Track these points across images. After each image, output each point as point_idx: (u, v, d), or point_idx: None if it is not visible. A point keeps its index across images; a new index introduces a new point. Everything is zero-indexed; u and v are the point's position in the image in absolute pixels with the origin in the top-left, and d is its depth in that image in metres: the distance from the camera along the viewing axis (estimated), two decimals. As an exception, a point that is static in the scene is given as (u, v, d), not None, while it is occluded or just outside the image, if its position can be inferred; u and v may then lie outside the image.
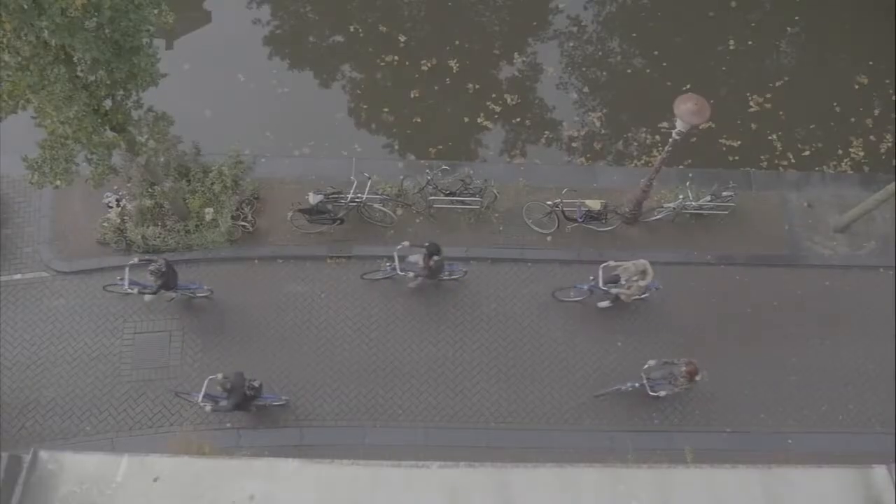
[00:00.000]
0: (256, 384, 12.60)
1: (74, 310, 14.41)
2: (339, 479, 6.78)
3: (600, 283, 13.64)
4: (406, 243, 13.64)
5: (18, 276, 14.62)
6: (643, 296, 13.89)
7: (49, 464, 6.55)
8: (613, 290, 13.68)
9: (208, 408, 12.53)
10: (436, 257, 13.34)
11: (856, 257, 15.52)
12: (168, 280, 13.18)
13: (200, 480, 6.65)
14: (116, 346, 14.12)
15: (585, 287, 14.14)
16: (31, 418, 13.64)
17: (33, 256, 14.77)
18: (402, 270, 13.87)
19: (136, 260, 13.32)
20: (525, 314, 14.75)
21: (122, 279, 13.36)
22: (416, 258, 13.69)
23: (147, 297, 13.53)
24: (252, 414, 13.48)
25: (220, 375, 12.36)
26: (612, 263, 13.71)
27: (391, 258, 13.86)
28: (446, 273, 14.23)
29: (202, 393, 12.53)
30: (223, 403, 12.40)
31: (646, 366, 13.11)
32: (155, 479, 6.64)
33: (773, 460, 12.18)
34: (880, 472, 6.93)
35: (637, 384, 13.34)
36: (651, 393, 13.15)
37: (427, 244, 13.31)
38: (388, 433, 13.76)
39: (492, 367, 14.33)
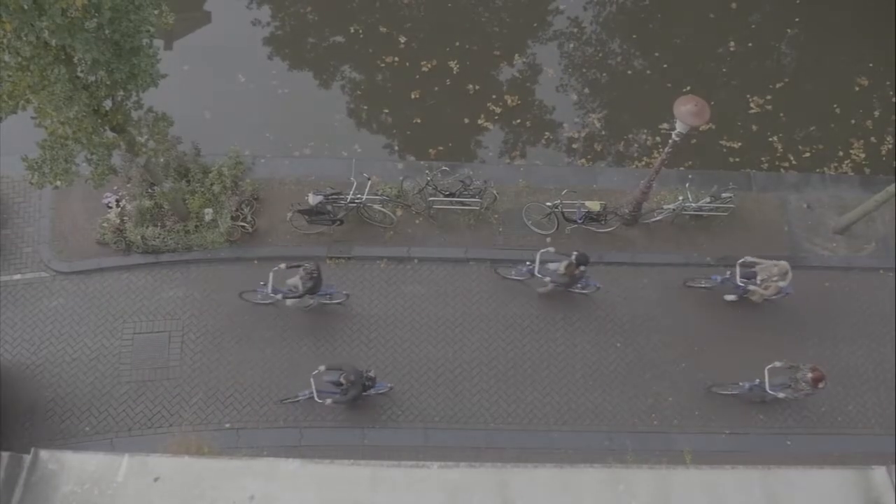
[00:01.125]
0: (372, 374, 12.66)
1: (74, 310, 14.41)
2: (340, 479, 6.78)
3: (738, 280, 13.79)
4: (551, 249, 13.66)
5: (18, 277, 14.62)
6: (775, 296, 13.94)
7: (50, 464, 6.55)
8: (751, 287, 13.81)
9: (329, 401, 12.67)
10: (582, 268, 13.30)
11: (856, 259, 15.53)
12: (316, 284, 13.22)
13: (201, 480, 6.65)
14: (116, 347, 14.12)
15: (719, 279, 14.30)
16: (30, 418, 13.63)
17: (33, 256, 14.77)
18: (539, 273, 13.84)
19: (283, 266, 13.31)
20: (524, 315, 14.74)
21: (264, 284, 13.43)
22: (557, 265, 13.68)
23: (290, 302, 13.64)
24: (358, 406, 13.53)
25: (322, 367, 12.56)
26: (749, 259, 13.89)
27: (532, 259, 13.83)
28: (580, 285, 14.19)
29: (314, 390, 12.66)
30: (340, 397, 12.54)
31: (770, 366, 13.09)
32: (155, 479, 6.64)
33: (772, 461, 12.25)
34: (880, 473, 6.92)
35: (757, 381, 13.34)
36: (769, 391, 13.11)
37: (576, 253, 13.23)
38: (387, 434, 13.76)
39: (491, 368, 14.32)
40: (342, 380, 12.34)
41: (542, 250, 13.70)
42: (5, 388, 13.66)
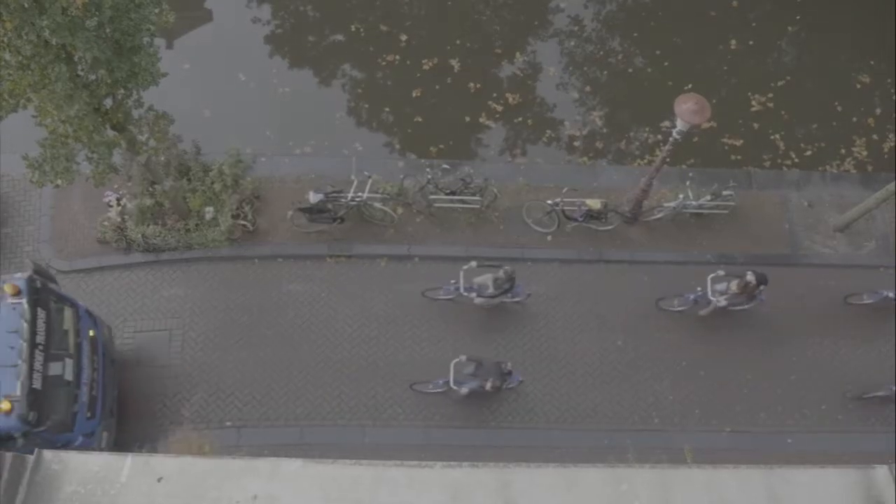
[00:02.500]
0: (509, 368, 12.81)
1: (75, 309, 14.39)
2: (342, 478, 6.79)
3: None
4: (721, 272, 13.79)
5: (19, 275, 14.56)
6: None
7: (53, 464, 6.56)
8: None
9: (465, 390, 12.87)
10: (762, 286, 13.36)
11: (856, 257, 15.53)
12: (512, 286, 13.42)
13: (204, 480, 6.67)
14: (117, 346, 14.09)
15: (885, 294, 14.40)
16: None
17: (33, 255, 14.72)
18: (713, 297, 13.88)
19: (473, 264, 13.52)
20: (523, 313, 14.73)
21: (455, 282, 13.63)
22: (724, 286, 13.76)
23: (479, 300, 13.76)
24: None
25: (463, 358, 12.82)
26: None
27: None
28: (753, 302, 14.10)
29: (451, 378, 12.87)
30: (478, 388, 12.71)
31: None
32: (159, 480, 6.65)
33: (772, 460, 12.25)
34: (881, 473, 6.94)
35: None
36: None
37: (752, 272, 13.28)
38: (388, 432, 13.76)
39: (492, 367, 14.33)
40: (487, 386, 12.51)
41: (712, 275, 13.82)
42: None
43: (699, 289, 14.03)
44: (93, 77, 10.75)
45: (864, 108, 17.44)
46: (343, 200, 14.63)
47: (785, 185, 16.22)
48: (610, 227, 15.33)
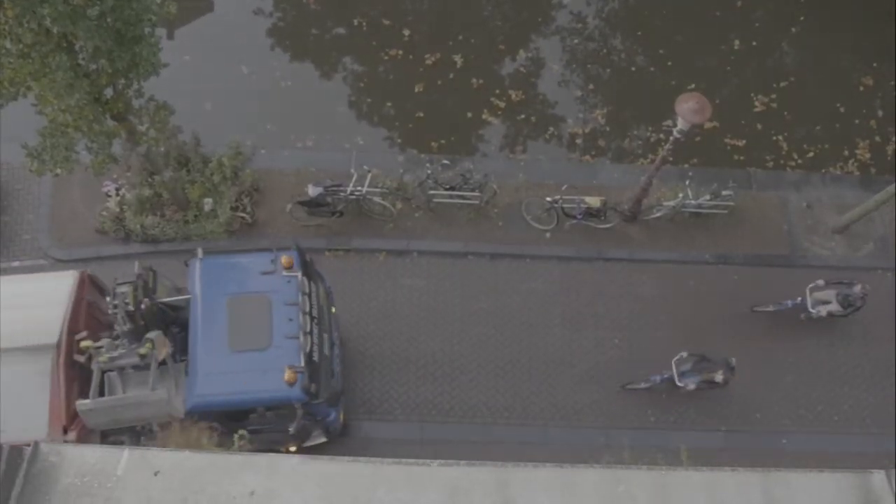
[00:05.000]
0: (734, 363, 12.94)
1: (72, 298, 14.34)
2: (340, 475, 6.81)
3: None
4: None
5: (17, 264, 14.55)
6: None
7: (50, 456, 6.56)
8: None
9: (692, 386, 13.01)
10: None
11: (854, 258, 15.55)
12: (864, 303, 13.70)
13: (201, 475, 6.67)
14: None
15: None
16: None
17: (32, 244, 14.72)
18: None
19: (821, 282, 13.87)
20: (523, 310, 14.74)
21: (801, 300, 13.94)
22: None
23: (822, 313, 13.87)
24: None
25: (685, 354, 13.01)
26: None
27: None
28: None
29: (674, 373, 13.04)
30: (703, 384, 12.95)
31: None
32: (156, 473, 6.64)
33: (767, 460, 12.31)
34: (879, 478, 6.98)
35: None
36: None
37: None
38: (384, 427, 13.77)
39: (489, 363, 14.33)
40: (718, 378, 12.77)
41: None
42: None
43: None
44: (93, 66, 10.71)
45: (866, 110, 17.40)
46: (342, 194, 14.60)
47: (784, 185, 16.22)
48: (609, 226, 15.31)
